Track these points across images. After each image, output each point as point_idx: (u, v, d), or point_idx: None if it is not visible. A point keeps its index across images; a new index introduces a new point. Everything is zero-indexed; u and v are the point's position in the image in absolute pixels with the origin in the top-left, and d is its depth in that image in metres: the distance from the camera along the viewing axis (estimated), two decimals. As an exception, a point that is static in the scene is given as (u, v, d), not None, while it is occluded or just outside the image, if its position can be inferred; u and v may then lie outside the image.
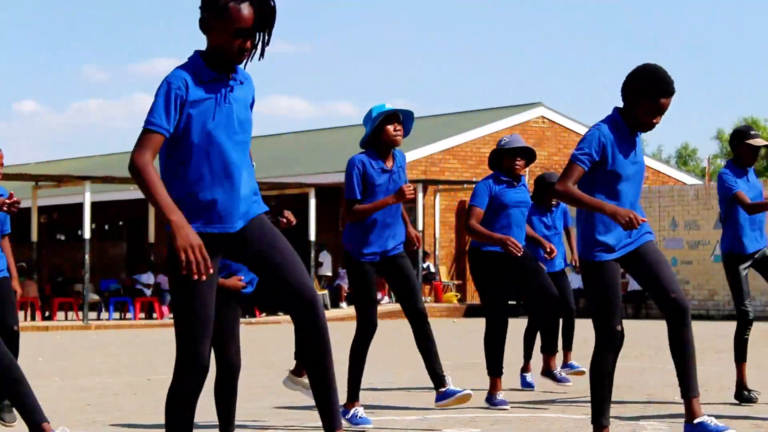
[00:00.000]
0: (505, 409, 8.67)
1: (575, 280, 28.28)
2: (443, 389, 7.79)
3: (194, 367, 4.86)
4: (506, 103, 48.91)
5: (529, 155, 8.91)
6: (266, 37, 4.81)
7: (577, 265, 8.47)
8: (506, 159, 8.87)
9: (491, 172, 8.97)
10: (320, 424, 4.87)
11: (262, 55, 4.86)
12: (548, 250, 9.44)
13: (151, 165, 4.66)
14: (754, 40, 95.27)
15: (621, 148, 6.22)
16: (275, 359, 13.93)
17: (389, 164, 7.77)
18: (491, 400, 8.84)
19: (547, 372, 9.89)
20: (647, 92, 6.20)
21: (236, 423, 6.67)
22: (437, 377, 7.78)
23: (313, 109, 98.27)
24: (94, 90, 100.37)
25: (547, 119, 35.15)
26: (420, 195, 30.70)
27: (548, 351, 9.89)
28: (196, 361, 4.86)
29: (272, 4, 4.78)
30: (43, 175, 29.26)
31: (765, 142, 8.87)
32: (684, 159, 71.14)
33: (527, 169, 9.66)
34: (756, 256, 8.84)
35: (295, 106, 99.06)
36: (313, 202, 29.47)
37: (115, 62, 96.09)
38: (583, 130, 35.80)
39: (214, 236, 4.79)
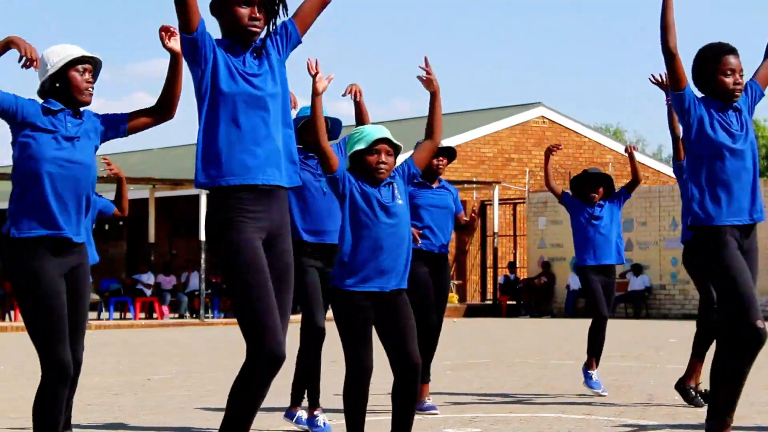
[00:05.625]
0: (435, 414, 8.39)
1: (573, 282, 28.31)
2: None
3: (263, 355, 4.78)
4: (506, 103, 48.96)
5: (450, 155, 8.95)
6: (277, 10, 4.94)
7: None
8: (432, 159, 8.84)
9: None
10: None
11: (268, 31, 4.95)
12: None
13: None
14: (754, 40, 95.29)
15: (716, 118, 6.31)
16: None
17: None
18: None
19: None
20: (713, 59, 6.32)
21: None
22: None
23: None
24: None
25: (547, 119, 35.15)
26: (420, 195, 30.69)
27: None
28: (263, 348, 4.77)
29: None
30: (43, 175, 29.18)
31: None
32: (684, 159, 71.02)
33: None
34: None
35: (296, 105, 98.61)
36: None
37: (115, 62, 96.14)
38: (583, 130, 35.83)
39: (251, 190, 4.86)
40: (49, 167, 5.46)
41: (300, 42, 5.10)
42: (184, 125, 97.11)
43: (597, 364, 9.81)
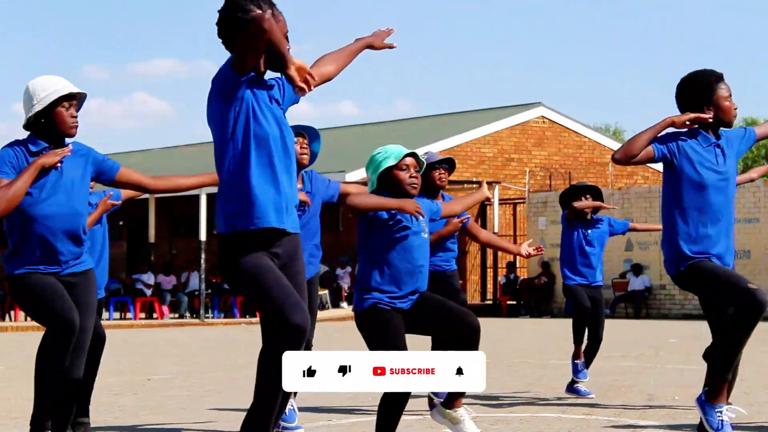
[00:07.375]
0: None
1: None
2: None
3: (290, 328, 4.87)
4: (506, 103, 48.94)
5: (451, 165, 8.74)
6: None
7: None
8: (432, 171, 8.64)
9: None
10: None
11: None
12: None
13: None
14: (754, 40, 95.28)
15: (699, 155, 6.40)
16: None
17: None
18: None
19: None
20: (710, 85, 6.40)
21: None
22: None
23: (314, 109, 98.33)
24: (94, 90, 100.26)
25: (547, 119, 35.14)
26: (420, 195, 30.68)
27: None
28: (288, 321, 4.85)
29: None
30: (44, 175, 29.14)
31: None
32: (684, 159, 71.04)
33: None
34: None
35: (297, 106, 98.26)
36: (313, 202, 29.42)
37: (115, 62, 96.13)
38: (583, 130, 35.81)
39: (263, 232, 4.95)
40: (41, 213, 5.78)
41: (297, 101, 5.31)
42: (184, 125, 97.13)
43: (586, 360, 9.77)
